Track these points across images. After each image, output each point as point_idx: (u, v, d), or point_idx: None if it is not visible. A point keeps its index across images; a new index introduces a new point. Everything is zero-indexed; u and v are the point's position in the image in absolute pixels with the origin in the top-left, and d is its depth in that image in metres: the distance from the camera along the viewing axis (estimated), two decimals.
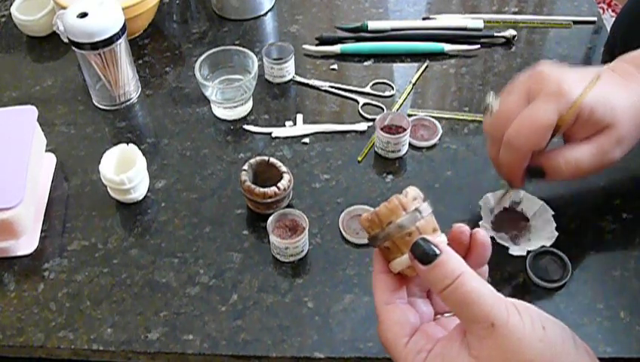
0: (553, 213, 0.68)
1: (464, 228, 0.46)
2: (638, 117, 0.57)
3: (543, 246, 0.65)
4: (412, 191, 0.46)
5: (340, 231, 0.70)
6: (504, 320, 0.39)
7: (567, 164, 0.57)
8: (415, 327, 0.45)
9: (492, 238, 0.66)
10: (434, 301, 0.50)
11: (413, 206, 0.44)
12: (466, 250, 0.46)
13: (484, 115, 0.61)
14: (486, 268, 0.48)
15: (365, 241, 0.69)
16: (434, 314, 0.49)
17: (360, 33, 0.94)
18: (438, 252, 0.42)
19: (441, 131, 0.79)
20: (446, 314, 0.48)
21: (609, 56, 0.92)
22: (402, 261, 0.44)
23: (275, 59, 0.87)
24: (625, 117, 0.56)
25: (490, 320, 0.39)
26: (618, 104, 0.56)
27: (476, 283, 0.40)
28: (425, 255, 0.42)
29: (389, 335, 0.44)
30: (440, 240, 0.44)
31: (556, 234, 0.66)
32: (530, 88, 0.56)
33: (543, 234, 0.67)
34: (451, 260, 0.41)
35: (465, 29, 0.94)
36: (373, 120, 0.82)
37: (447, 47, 0.91)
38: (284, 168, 0.71)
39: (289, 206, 0.72)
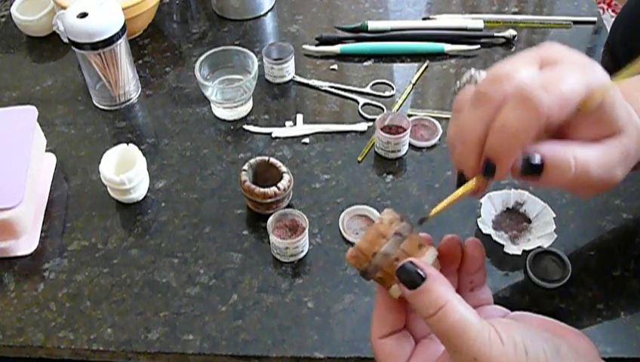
0: (554, 215, 0.68)
1: (454, 239, 0.45)
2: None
3: (540, 247, 0.65)
4: (387, 215, 0.44)
5: (340, 231, 0.70)
6: (487, 353, 0.38)
7: (578, 162, 0.42)
8: (407, 355, 0.44)
9: (489, 236, 0.66)
10: None
11: (392, 230, 0.43)
12: (459, 259, 0.46)
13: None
14: (484, 270, 0.48)
15: None
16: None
17: (360, 33, 0.94)
18: (423, 275, 0.41)
19: (441, 131, 0.79)
20: None
21: (609, 56, 0.92)
22: (396, 288, 0.44)
23: (275, 60, 0.87)
24: (635, 131, 0.47)
25: (473, 354, 0.39)
26: (632, 112, 0.47)
27: (459, 315, 0.39)
28: (410, 280, 0.41)
29: None
30: (429, 254, 0.43)
31: (555, 236, 0.66)
32: (544, 56, 0.43)
33: (542, 235, 0.67)
34: (435, 287, 0.41)
35: (465, 29, 0.94)
36: (373, 120, 0.82)
37: (448, 47, 0.91)
38: (284, 168, 0.71)
39: (289, 206, 0.72)
